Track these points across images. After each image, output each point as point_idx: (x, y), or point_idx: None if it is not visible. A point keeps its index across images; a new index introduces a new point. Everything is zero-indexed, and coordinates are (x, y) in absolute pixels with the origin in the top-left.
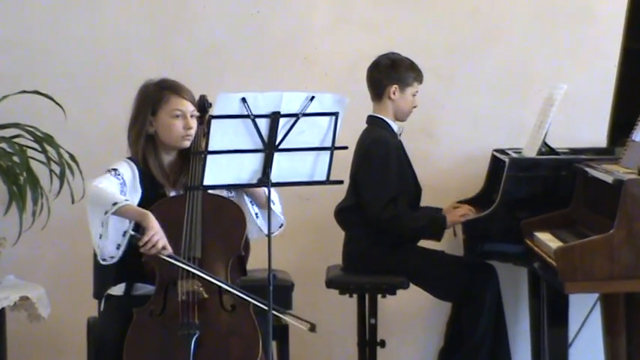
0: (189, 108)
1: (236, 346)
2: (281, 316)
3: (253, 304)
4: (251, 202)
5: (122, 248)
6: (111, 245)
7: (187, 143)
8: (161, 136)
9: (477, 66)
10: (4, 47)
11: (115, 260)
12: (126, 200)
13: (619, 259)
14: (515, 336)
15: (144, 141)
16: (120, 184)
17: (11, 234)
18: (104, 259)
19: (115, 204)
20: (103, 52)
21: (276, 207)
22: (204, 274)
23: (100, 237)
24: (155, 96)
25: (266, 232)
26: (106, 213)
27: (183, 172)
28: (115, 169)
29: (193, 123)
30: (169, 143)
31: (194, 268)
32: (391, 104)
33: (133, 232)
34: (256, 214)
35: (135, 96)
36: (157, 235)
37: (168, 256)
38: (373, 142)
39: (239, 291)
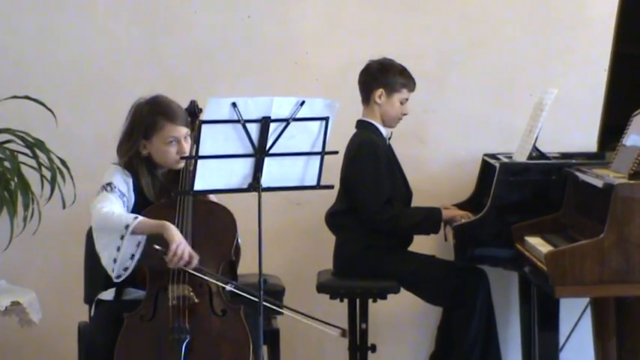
0: (183, 132)
1: (226, 350)
2: (311, 323)
3: (272, 309)
4: None
5: (136, 258)
6: (123, 259)
7: (181, 165)
8: (155, 158)
9: (467, 71)
10: None
11: (129, 272)
12: (135, 218)
13: (609, 264)
14: (506, 340)
15: (136, 160)
16: (119, 196)
17: (2, 239)
18: (119, 276)
19: (127, 226)
20: (93, 58)
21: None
22: (237, 288)
23: (115, 260)
24: (148, 121)
25: None
26: (122, 237)
27: (176, 182)
28: (109, 184)
29: (187, 145)
30: (163, 165)
31: (228, 283)
32: (378, 108)
33: (157, 247)
34: None
35: (128, 113)
36: (180, 245)
37: (195, 269)
38: (361, 145)
39: (251, 294)
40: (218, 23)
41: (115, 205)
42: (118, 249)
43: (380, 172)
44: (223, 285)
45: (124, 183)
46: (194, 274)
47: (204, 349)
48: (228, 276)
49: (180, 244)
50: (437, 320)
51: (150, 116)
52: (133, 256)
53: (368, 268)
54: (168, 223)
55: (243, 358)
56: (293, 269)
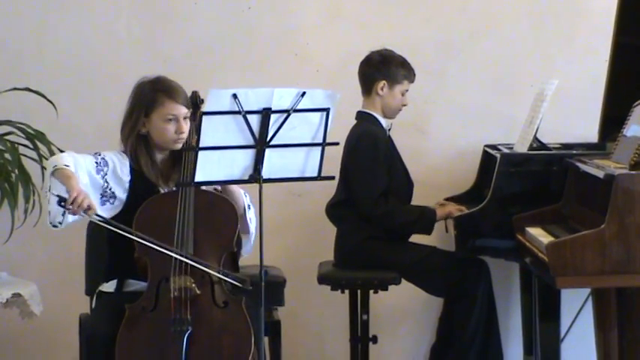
0: (182, 111)
1: (228, 342)
2: (215, 274)
3: (232, 283)
4: None
5: (67, 216)
6: (57, 211)
7: (179, 145)
8: (153, 137)
9: (467, 62)
10: None
11: (62, 227)
12: (67, 166)
13: (610, 254)
14: (507, 331)
15: (136, 140)
16: (97, 162)
17: (3, 231)
18: (53, 225)
19: (55, 166)
20: (94, 49)
21: (252, 224)
22: (191, 259)
23: (49, 202)
24: (149, 98)
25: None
26: (50, 175)
27: (175, 169)
28: (98, 152)
29: (186, 126)
30: (161, 145)
31: (181, 255)
32: (379, 100)
33: (55, 194)
34: None
35: (130, 92)
36: (80, 195)
37: (100, 218)
38: (360, 136)
39: (217, 270)
40: (218, 14)
41: (86, 163)
42: (49, 188)
43: (377, 164)
44: (223, 277)
45: (116, 160)
46: (195, 266)
47: (206, 340)
48: (229, 267)
49: (79, 194)
50: (438, 311)
51: (151, 93)
52: (64, 212)
53: (369, 259)
54: (73, 177)
55: (245, 350)
56: (294, 260)
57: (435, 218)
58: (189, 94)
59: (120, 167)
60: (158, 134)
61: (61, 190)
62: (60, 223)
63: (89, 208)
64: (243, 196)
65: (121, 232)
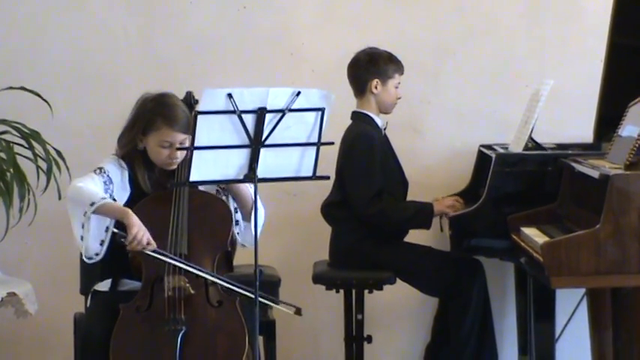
0: (178, 139)
1: (222, 341)
2: (266, 302)
3: (242, 294)
4: (235, 208)
5: (106, 244)
6: (94, 243)
7: (173, 167)
8: (149, 153)
9: (463, 62)
10: None
11: (100, 257)
12: (103, 199)
13: (605, 254)
14: (502, 331)
15: (133, 152)
16: (104, 182)
17: None
18: (89, 258)
19: (92, 204)
20: (89, 49)
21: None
22: (191, 267)
23: (82, 239)
24: (148, 119)
25: (241, 241)
26: (85, 214)
27: (172, 174)
28: (100, 168)
29: (180, 153)
30: (155, 163)
31: (181, 263)
32: (374, 98)
33: (116, 230)
34: (237, 221)
35: (135, 103)
36: (140, 231)
37: (154, 252)
38: (357, 137)
39: (225, 281)
40: (213, 14)
41: (95, 186)
42: (83, 226)
43: (372, 166)
44: (220, 283)
45: (117, 172)
46: (189, 271)
47: (200, 340)
48: (224, 267)
49: (139, 230)
50: (433, 311)
51: (151, 114)
52: (102, 242)
53: (364, 259)
54: (130, 211)
55: (239, 349)
56: (289, 260)
57: (433, 212)
58: (184, 94)
59: (121, 179)
60: (152, 154)
61: (110, 223)
62: (97, 255)
63: (149, 243)
64: (248, 187)
65: (175, 262)
